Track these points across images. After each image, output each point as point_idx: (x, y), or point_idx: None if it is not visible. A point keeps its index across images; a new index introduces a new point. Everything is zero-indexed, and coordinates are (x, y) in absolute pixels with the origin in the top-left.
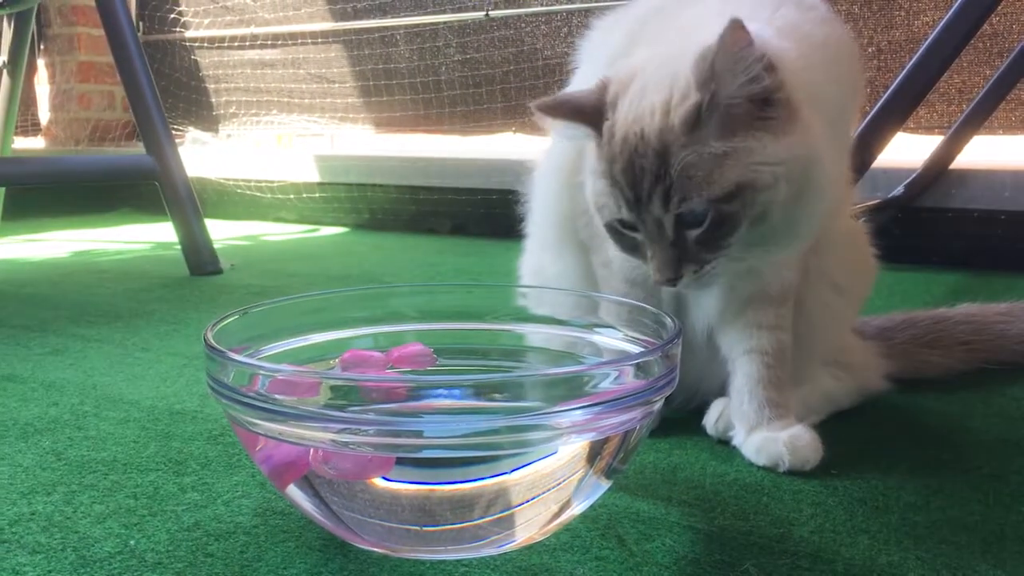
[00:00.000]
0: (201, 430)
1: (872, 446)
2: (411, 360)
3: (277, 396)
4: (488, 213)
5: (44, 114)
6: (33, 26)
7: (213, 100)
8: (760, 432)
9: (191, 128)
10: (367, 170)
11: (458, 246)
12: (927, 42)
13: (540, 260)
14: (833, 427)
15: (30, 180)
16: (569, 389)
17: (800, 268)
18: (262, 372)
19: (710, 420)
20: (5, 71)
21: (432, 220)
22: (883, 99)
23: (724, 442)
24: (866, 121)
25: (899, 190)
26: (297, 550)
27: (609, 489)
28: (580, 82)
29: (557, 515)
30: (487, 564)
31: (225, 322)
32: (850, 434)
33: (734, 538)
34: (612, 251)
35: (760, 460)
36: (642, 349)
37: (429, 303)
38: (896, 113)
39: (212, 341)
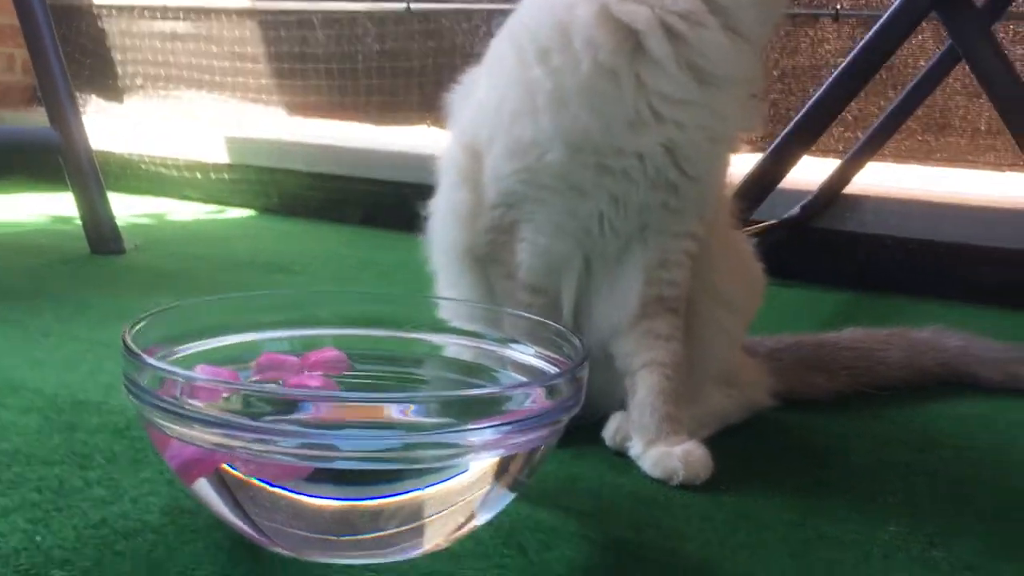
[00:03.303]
0: (106, 422)
1: (759, 462)
2: (326, 365)
3: (191, 400)
4: (399, 205)
5: None
6: None
7: (119, 70)
8: (658, 446)
9: (94, 97)
10: (278, 154)
11: (367, 237)
12: (840, 68)
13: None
14: (723, 441)
15: None
16: (482, 408)
17: (692, 275)
18: (179, 378)
19: (608, 433)
20: None
21: (342, 209)
22: (793, 122)
23: (620, 454)
24: (775, 143)
25: (795, 210)
26: (206, 550)
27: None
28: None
29: (463, 525)
30: (394, 569)
31: (142, 323)
32: (738, 449)
33: (627, 550)
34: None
35: (656, 473)
36: (550, 366)
37: (347, 309)
38: (805, 136)
39: (130, 343)
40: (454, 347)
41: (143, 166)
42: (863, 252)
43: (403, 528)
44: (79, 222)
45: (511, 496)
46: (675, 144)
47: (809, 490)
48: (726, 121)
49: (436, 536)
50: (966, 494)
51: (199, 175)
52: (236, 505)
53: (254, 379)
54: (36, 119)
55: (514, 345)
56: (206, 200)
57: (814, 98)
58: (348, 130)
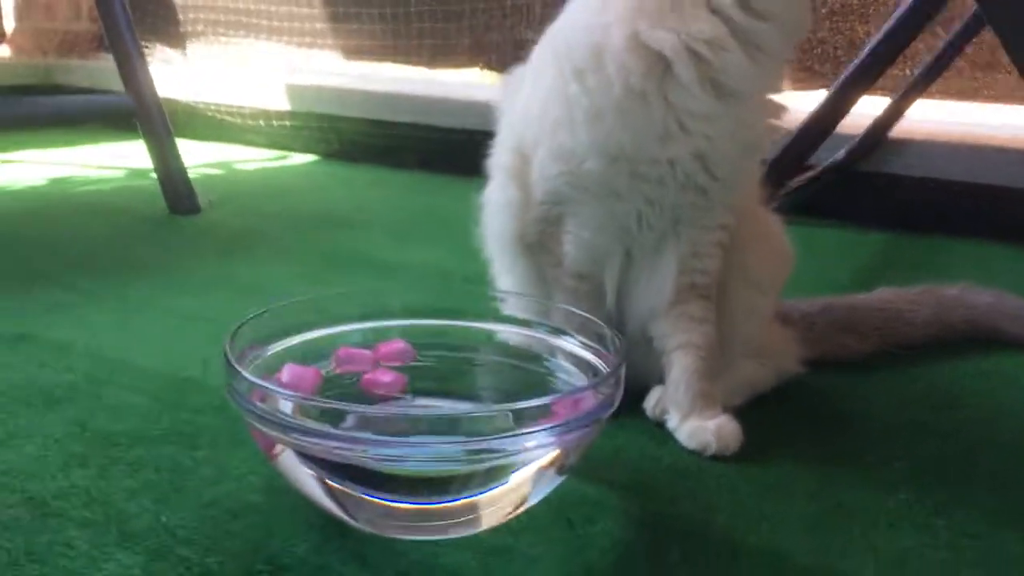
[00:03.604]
0: (207, 401)
1: (785, 429)
2: (395, 356)
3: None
4: (454, 150)
5: (9, 23)
6: None
7: (180, 17)
8: (692, 420)
9: (158, 45)
10: (337, 102)
11: (425, 183)
12: (901, 8)
13: (497, 279)
14: (753, 409)
15: (6, 123)
16: (538, 412)
17: (722, 261)
18: (268, 391)
19: (649, 405)
20: None
21: (400, 154)
22: (855, 63)
23: (660, 424)
24: (835, 86)
25: (840, 154)
26: (302, 527)
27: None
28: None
29: (518, 506)
30: (459, 544)
31: (239, 329)
32: (767, 416)
33: (663, 523)
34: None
35: (691, 445)
36: (595, 357)
37: (412, 300)
38: (866, 77)
39: (229, 354)
40: (508, 335)
41: (208, 114)
42: (907, 194)
43: (467, 516)
44: (154, 175)
45: (561, 479)
46: (703, 152)
47: (829, 458)
48: (751, 128)
49: (495, 517)
50: (976, 459)
51: (262, 122)
52: (331, 495)
53: (334, 371)
54: (104, 66)
55: (563, 336)
56: (270, 145)
57: (874, 39)
58: (402, 74)
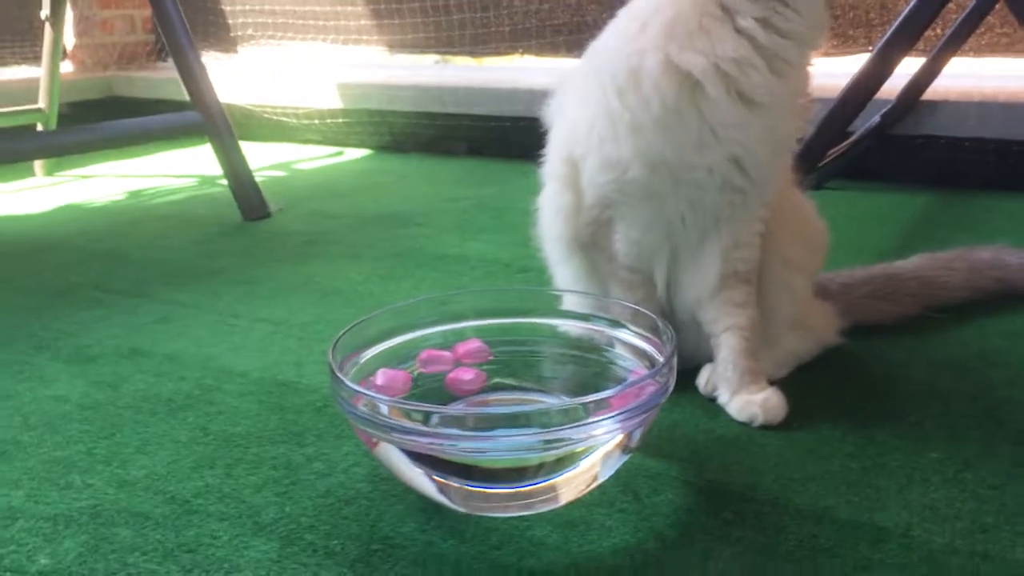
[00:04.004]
0: (307, 401)
1: (825, 396)
2: (472, 355)
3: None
4: (500, 137)
5: (70, 40)
6: None
7: (230, 22)
8: (741, 395)
9: (211, 52)
10: (386, 98)
11: (475, 172)
12: None
13: (555, 271)
14: (796, 378)
15: (91, 147)
16: (603, 403)
17: (760, 248)
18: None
19: (701, 382)
20: (48, 23)
21: (449, 142)
22: (896, 23)
23: (711, 399)
24: (876, 49)
25: (876, 119)
26: (406, 510)
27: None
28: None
29: (591, 484)
30: (541, 518)
31: (337, 341)
32: (809, 385)
33: (718, 489)
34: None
35: (740, 417)
36: (650, 346)
37: (482, 303)
38: (904, 40)
39: (333, 365)
40: (571, 328)
41: (265, 116)
42: (941, 153)
43: (547, 497)
44: (223, 181)
45: (626, 457)
46: (737, 157)
47: (867, 421)
48: (779, 132)
49: (570, 494)
50: (1001, 416)
51: (316, 121)
52: (438, 488)
53: (420, 372)
54: (162, 76)
55: (620, 328)
56: (325, 142)
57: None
58: (447, 64)
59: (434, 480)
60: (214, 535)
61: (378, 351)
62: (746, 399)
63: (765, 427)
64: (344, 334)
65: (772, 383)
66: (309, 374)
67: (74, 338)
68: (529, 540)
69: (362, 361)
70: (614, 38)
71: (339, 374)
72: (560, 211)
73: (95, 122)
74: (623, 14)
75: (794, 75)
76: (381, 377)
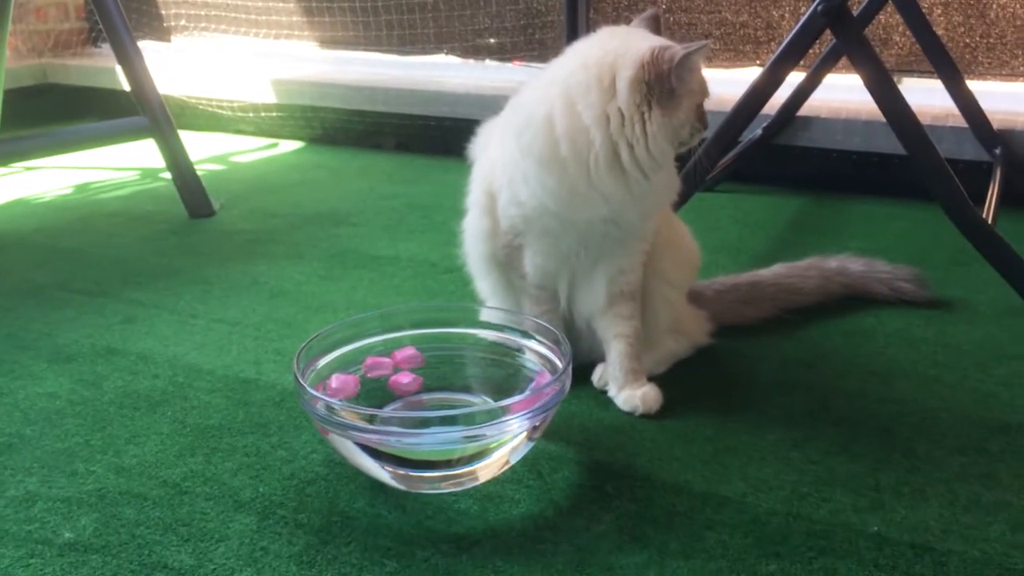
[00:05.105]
0: (267, 396)
1: (693, 389)
2: (409, 360)
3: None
4: (428, 135)
5: None
6: None
7: (163, 12)
8: (626, 390)
9: (145, 40)
10: (319, 94)
11: (404, 168)
12: None
13: (477, 284)
14: (672, 374)
15: (35, 154)
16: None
17: (643, 270)
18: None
19: (595, 378)
20: None
21: (379, 137)
22: (782, 46)
23: (603, 392)
24: (767, 64)
25: (757, 132)
26: (358, 489)
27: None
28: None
29: (504, 467)
30: (466, 494)
31: (302, 350)
32: (681, 382)
33: (604, 468)
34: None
35: (625, 408)
36: (553, 354)
37: (417, 316)
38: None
39: (298, 374)
40: (490, 336)
41: (200, 107)
42: (814, 163)
43: (470, 477)
44: (167, 175)
45: (532, 443)
46: (615, 215)
47: (723, 410)
48: (652, 199)
49: (488, 475)
50: (827, 404)
51: (251, 114)
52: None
53: (366, 376)
54: (96, 64)
55: (529, 338)
56: (259, 134)
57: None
58: (376, 61)
59: (385, 469)
60: (203, 512)
61: (331, 358)
62: (630, 393)
63: (645, 416)
64: (303, 348)
65: (652, 379)
66: (266, 372)
67: (51, 338)
68: (456, 511)
69: (319, 367)
70: (527, 98)
71: (302, 382)
72: (480, 234)
73: (31, 109)
74: (542, 76)
75: (664, 172)
76: (335, 381)
